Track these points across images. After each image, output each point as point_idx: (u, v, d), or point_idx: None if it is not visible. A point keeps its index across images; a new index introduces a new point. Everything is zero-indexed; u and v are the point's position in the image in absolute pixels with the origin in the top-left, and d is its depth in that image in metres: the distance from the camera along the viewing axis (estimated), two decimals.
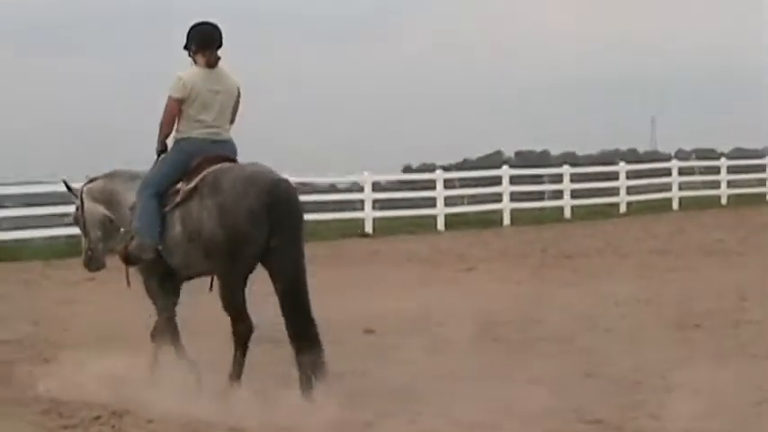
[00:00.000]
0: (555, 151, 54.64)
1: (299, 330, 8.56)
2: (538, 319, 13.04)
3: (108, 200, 9.47)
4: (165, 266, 8.92)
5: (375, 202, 30.09)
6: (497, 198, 32.52)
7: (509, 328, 12.64)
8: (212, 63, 8.83)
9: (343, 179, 32.92)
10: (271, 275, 8.61)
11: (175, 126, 8.85)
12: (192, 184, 8.59)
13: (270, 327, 9.01)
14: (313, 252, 23.94)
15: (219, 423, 7.99)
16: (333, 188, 34.54)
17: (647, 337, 11.87)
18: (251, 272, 8.58)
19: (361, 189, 30.15)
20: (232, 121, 9.02)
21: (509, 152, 59.27)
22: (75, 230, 24.98)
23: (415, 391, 9.15)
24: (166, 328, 9.06)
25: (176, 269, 8.93)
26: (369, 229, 29.28)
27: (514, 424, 8.10)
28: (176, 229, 8.67)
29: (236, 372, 8.58)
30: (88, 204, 9.59)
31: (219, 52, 8.91)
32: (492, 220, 31.78)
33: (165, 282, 9.04)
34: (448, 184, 31.92)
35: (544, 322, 12.76)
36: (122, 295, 16.11)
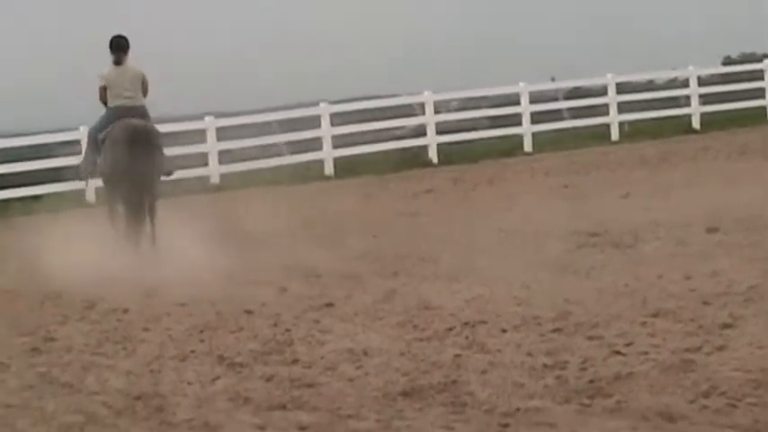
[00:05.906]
0: None
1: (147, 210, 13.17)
2: None
3: None
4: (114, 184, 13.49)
5: (700, 96, 29.09)
6: None
7: None
8: (119, 62, 13.47)
9: (664, 75, 31.86)
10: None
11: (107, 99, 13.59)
12: (103, 134, 13.27)
13: None
14: (642, 152, 23.53)
15: None
16: (651, 84, 33.58)
17: None
18: (136, 183, 12.97)
19: (683, 84, 29.27)
20: (145, 93, 13.55)
21: None
22: (407, 144, 25.62)
23: None
24: (116, 218, 13.35)
25: (114, 186, 13.48)
26: (696, 124, 28.42)
27: None
28: (101, 162, 13.40)
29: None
30: None
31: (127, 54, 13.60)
32: None
33: (114, 193, 13.53)
34: None
35: None
36: (458, 205, 16.25)
